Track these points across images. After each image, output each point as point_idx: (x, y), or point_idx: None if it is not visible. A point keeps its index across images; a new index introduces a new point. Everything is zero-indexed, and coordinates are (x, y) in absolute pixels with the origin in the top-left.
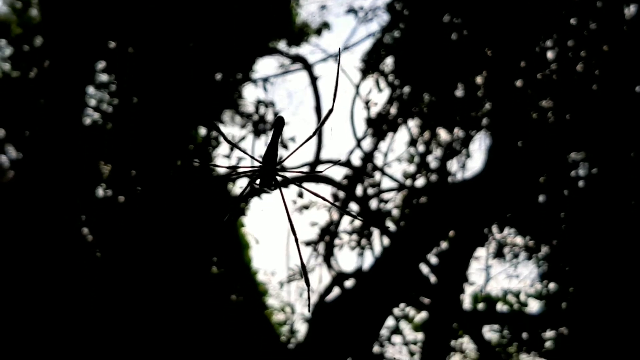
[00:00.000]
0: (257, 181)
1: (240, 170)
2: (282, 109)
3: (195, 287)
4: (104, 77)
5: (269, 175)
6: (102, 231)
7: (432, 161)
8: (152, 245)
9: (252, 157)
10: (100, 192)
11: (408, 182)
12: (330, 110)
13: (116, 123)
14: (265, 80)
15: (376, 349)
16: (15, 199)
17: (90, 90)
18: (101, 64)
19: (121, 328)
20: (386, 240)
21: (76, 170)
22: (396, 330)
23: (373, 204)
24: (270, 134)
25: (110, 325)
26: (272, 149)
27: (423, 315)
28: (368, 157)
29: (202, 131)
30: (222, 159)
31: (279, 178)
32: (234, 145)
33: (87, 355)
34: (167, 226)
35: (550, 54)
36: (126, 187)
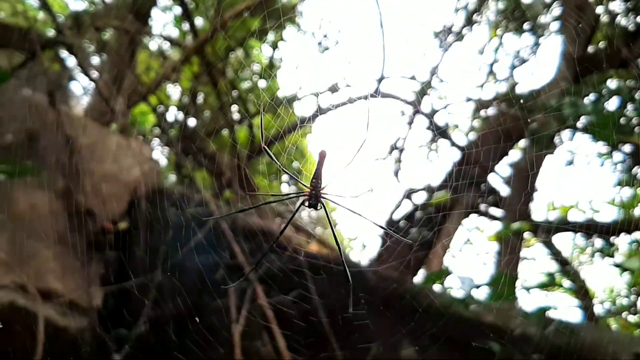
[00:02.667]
0: (305, 203)
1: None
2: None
3: None
4: None
5: (315, 197)
6: None
7: (501, 70)
8: None
9: (301, 183)
10: None
11: (476, 93)
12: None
13: None
14: None
15: (448, 260)
16: None
17: None
18: None
19: None
20: (456, 153)
21: None
22: (468, 242)
23: (441, 117)
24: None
25: None
26: (317, 175)
27: (495, 226)
28: (434, 70)
29: None
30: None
31: (323, 200)
32: (284, 171)
33: None
34: None
35: None
36: None
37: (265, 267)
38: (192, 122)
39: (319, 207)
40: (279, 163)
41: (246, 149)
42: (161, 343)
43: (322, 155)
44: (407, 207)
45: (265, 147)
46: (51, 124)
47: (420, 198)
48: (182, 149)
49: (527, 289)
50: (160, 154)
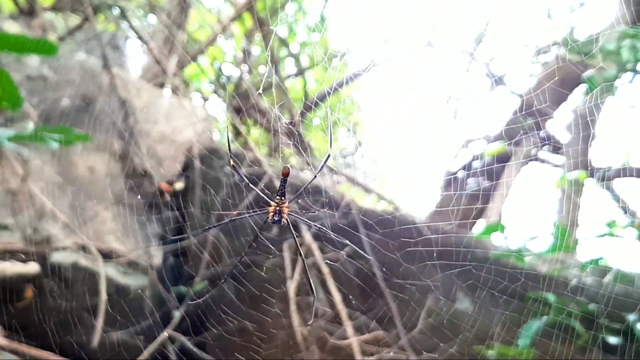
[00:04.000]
0: (269, 218)
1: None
2: None
3: None
4: None
5: (279, 213)
6: None
7: (559, 14)
8: None
9: (268, 197)
10: None
11: (534, 39)
12: None
13: None
14: None
15: (506, 210)
16: None
17: None
18: None
19: None
20: (514, 101)
21: None
22: (526, 191)
23: (498, 65)
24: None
25: None
26: (281, 191)
27: (554, 173)
28: (490, 16)
29: None
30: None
31: (286, 216)
32: (252, 187)
33: None
34: None
35: None
36: None
37: (319, 223)
38: (245, 79)
39: (282, 223)
40: (246, 179)
41: (300, 103)
42: (218, 299)
43: (285, 173)
44: (465, 157)
45: (234, 165)
46: (106, 87)
47: (478, 147)
48: (235, 106)
49: (586, 238)
50: (213, 113)
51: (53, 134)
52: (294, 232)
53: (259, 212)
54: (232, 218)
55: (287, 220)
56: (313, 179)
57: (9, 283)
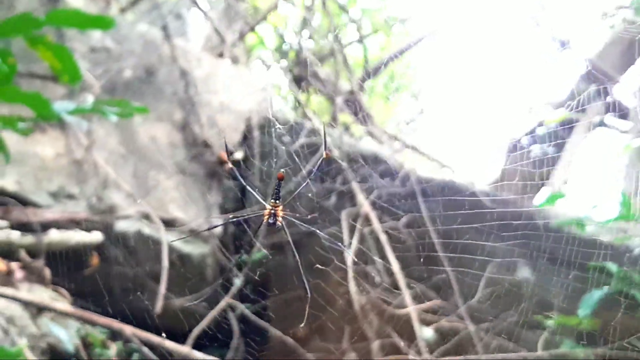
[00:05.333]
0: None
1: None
2: None
3: None
4: None
5: (274, 216)
6: None
7: None
8: None
9: (263, 202)
10: None
11: (599, 2)
12: None
13: None
14: None
15: (570, 178)
16: None
17: None
18: None
19: None
20: (580, 65)
21: None
22: (592, 158)
23: (563, 29)
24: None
25: None
26: (276, 194)
27: (621, 140)
28: None
29: None
30: None
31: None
32: (251, 190)
33: None
34: None
35: None
36: None
37: (377, 192)
38: (305, 47)
39: (277, 226)
40: (244, 182)
41: (361, 70)
42: (278, 267)
43: (280, 177)
44: (529, 123)
45: (233, 167)
46: (167, 57)
47: (542, 113)
48: (295, 75)
49: None
50: (273, 82)
51: (112, 107)
52: (288, 234)
53: (253, 215)
54: (231, 219)
55: (281, 223)
56: (304, 185)
57: (75, 251)
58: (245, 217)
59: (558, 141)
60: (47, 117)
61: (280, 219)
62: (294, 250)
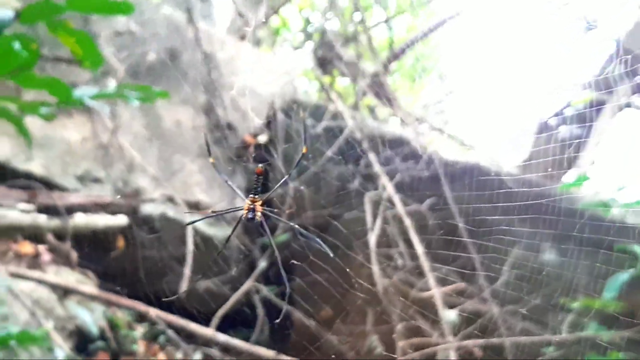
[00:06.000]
0: (243, 217)
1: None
2: None
3: None
4: None
5: (253, 211)
6: None
7: None
8: None
9: (241, 197)
10: None
11: None
12: None
13: None
14: None
15: (598, 159)
16: None
17: None
18: None
19: None
20: (609, 45)
21: None
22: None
23: (591, 8)
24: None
25: None
26: (255, 189)
27: None
28: None
29: None
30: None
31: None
32: (229, 185)
33: None
34: None
35: None
36: None
37: (401, 175)
38: (329, 29)
39: (256, 221)
40: (224, 177)
41: (387, 52)
42: (301, 250)
43: (259, 172)
44: (556, 104)
45: (213, 163)
46: (191, 40)
47: (570, 94)
48: (320, 57)
49: None
50: (297, 64)
51: (134, 92)
52: (267, 230)
53: (232, 210)
54: (213, 214)
55: (260, 218)
56: (282, 183)
57: (101, 234)
58: (225, 212)
59: (585, 122)
60: (68, 103)
61: (259, 214)
62: (275, 249)
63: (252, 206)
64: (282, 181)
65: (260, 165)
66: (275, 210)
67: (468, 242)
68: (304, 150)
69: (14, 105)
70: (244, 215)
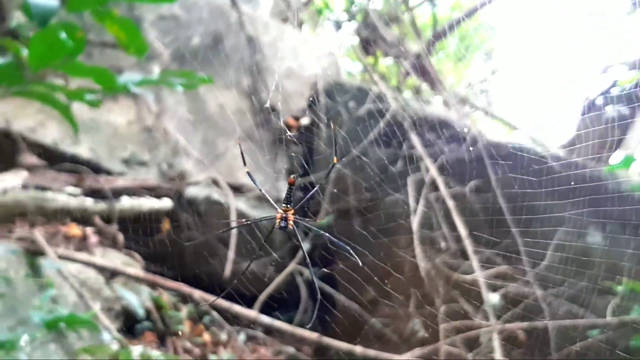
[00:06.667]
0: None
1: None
2: None
3: None
4: None
5: (285, 220)
6: None
7: None
8: None
9: (275, 205)
10: None
11: None
12: None
13: None
14: None
15: None
16: None
17: None
18: None
19: None
20: None
21: None
22: None
23: None
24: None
25: None
26: (288, 198)
27: None
28: None
29: None
30: None
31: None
32: (265, 195)
33: None
34: None
35: None
36: None
37: (444, 157)
38: (372, 9)
39: (288, 229)
40: (260, 188)
41: (431, 32)
42: (344, 232)
43: (291, 182)
44: (603, 84)
45: (248, 172)
46: (234, 24)
47: (617, 73)
48: (363, 38)
49: None
50: (340, 46)
51: (177, 78)
52: (299, 238)
53: (268, 219)
54: (246, 222)
55: (292, 226)
56: (314, 191)
57: (147, 217)
58: (259, 220)
59: (633, 103)
60: (112, 90)
61: (291, 222)
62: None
63: (284, 215)
64: (313, 190)
65: (292, 175)
66: (307, 219)
67: (512, 224)
68: (335, 160)
69: (61, 93)
70: (276, 224)
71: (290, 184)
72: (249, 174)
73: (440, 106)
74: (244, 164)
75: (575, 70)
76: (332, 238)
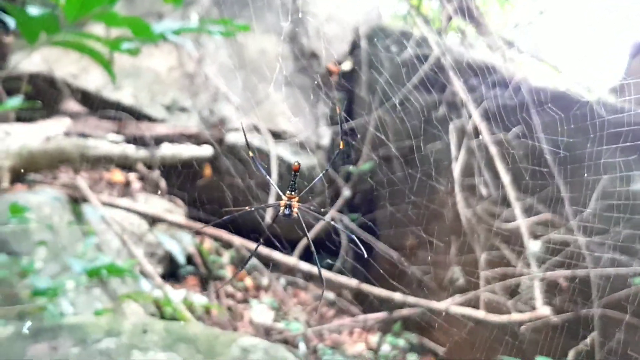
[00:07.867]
0: (280, 212)
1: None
2: None
3: None
4: None
5: (290, 207)
6: None
7: None
8: None
9: (280, 193)
10: None
11: None
12: None
13: None
14: None
15: None
16: None
17: None
18: None
19: None
20: None
21: None
22: None
23: None
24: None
25: None
26: (292, 185)
27: None
28: None
29: None
30: None
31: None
32: (269, 181)
33: None
34: None
35: None
36: None
37: (487, 103)
38: None
39: (292, 217)
40: (264, 172)
41: None
42: (384, 179)
43: (295, 169)
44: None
45: (252, 156)
46: None
47: None
48: None
49: None
50: None
51: (216, 26)
52: (304, 226)
53: (270, 206)
54: (249, 209)
55: (297, 214)
56: (319, 178)
57: (189, 163)
58: (263, 207)
59: None
60: (148, 39)
61: (295, 210)
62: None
63: (289, 202)
64: (319, 176)
65: (295, 162)
66: (312, 207)
67: (555, 171)
68: (341, 145)
69: (99, 43)
70: (280, 211)
71: (295, 171)
72: (252, 159)
73: (485, 50)
74: (249, 148)
75: (624, 11)
76: (338, 226)
